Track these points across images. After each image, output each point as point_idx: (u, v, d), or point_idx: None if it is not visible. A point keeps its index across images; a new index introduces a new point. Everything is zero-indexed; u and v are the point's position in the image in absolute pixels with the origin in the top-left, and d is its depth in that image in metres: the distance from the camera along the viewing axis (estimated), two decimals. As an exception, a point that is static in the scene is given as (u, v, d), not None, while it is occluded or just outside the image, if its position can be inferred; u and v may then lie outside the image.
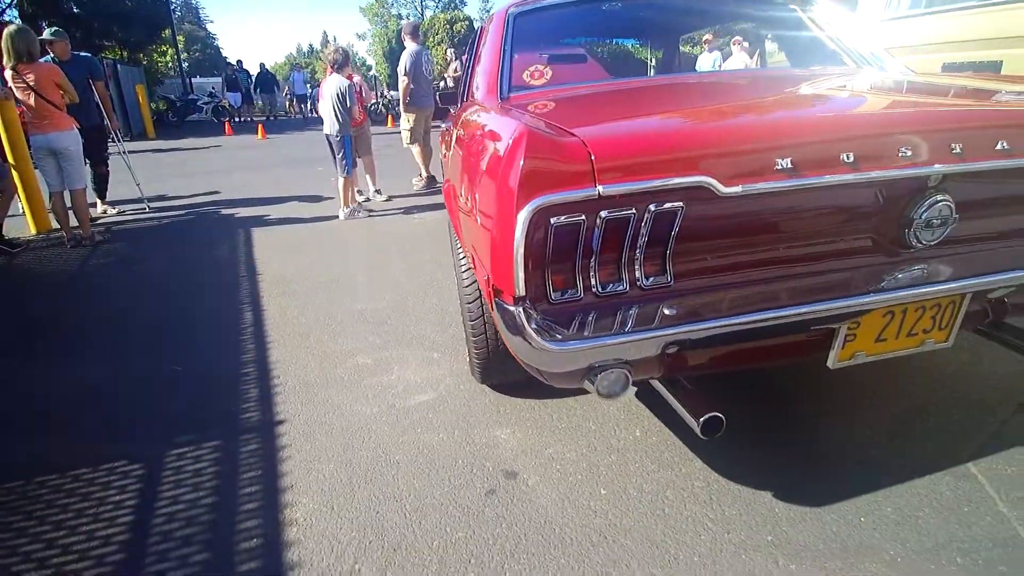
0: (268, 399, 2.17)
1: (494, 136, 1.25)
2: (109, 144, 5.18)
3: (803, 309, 1.05)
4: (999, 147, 1.12)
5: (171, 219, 5.34)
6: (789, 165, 1.01)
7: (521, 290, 0.98)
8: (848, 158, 1.04)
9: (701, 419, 1.14)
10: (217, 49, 44.51)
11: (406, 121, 5.64)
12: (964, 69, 3.36)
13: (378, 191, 5.53)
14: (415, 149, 5.80)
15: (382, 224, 4.76)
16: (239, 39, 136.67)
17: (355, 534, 1.47)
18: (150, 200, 5.71)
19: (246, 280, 3.51)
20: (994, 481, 1.49)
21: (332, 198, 5.35)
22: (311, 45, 62.08)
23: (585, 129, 1.08)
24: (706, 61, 7.68)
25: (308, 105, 16.94)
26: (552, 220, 0.97)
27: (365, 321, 2.81)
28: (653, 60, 3.56)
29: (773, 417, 1.84)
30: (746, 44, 7.15)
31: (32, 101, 3.90)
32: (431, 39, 22.78)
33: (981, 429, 1.71)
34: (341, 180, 4.72)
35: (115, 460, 1.83)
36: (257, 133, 12.31)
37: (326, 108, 4.59)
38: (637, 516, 1.46)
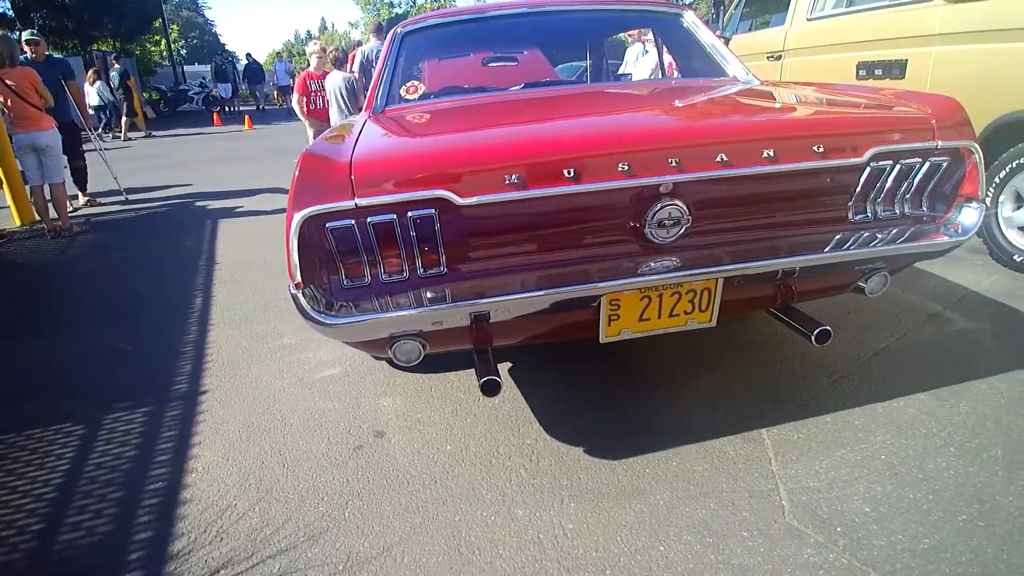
0: (199, 373, 2.49)
1: None
2: (91, 139, 5.50)
3: (547, 292, 1.33)
4: (719, 159, 1.39)
5: (147, 211, 5.67)
6: (516, 180, 1.29)
7: (298, 278, 1.27)
8: (570, 173, 1.32)
9: (481, 380, 1.45)
10: (216, 36, 44.65)
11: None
12: (876, 68, 3.57)
13: None
14: None
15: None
16: (238, 26, 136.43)
17: (239, 479, 1.79)
18: (130, 192, 6.04)
19: (204, 269, 3.84)
20: (778, 444, 1.78)
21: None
22: (308, 32, 62.04)
23: (366, 148, 1.39)
24: (631, 54, 7.88)
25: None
26: (328, 224, 1.27)
27: (299, 306, 3.12)
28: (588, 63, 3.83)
29: (611, 388, 2.14)
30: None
31: (11, 103, 4.22)
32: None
33: (788, 398, 2.00)
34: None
35: (60, 423, 2.17)
36: (244, 124, 12.62)
37: (332, 102, 4.95)
38: (466, 466, 1.77)
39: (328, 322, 1.24)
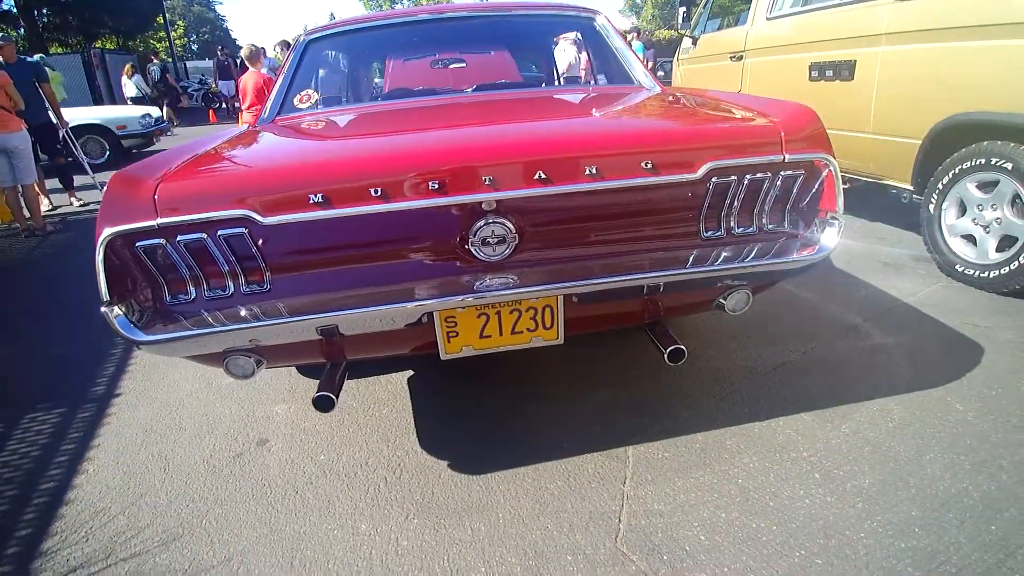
0: (119, 376, 2.57)
1: None
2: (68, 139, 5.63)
3: (368, 311, 1.34)
4: (537, 177, 1.37)
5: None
6: (321, 200, 1.29)
7: (104, 296, 1.29)
8: (376, 192, 1.32)
9: (315, 395, 1.47)
10: (226, 31, 45.20)
11: None
12: (826, 70, 3.48)
13: None
14: None
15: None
16: (249, 20, 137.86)
17: (121, 482, 1.86)
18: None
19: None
20: (640, 463, 1.77)
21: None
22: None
23: (186, 167, 1.42)
24: (557, 53, 7.69)
25: None
26: (138, 244, 1.29)
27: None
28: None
29: (501, 401, 2.14)
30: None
31: (-18, 105, 4.36)
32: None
33: (669, 414, 1.98)
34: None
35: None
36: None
37: None
38: (332, 477, 1.80)
39: (137, 339, 1.27)
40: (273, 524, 1.62)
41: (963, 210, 2.88)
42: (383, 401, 2.20)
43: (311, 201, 1.29)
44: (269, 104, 2.17)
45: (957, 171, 2.83)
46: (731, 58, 4.40)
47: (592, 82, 2.90)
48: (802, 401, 2.00)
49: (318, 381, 1.58)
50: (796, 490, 1.61)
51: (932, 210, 2.98)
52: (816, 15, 3.63)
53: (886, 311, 2.63)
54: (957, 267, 2.87)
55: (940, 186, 2.92)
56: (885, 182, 3.37)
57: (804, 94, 3.55)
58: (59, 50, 13.29)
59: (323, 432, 2.04)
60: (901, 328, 2.47)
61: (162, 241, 1.29)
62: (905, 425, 1.85)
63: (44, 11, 13.02)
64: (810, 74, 3.58)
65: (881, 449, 1.75)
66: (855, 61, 3.28)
